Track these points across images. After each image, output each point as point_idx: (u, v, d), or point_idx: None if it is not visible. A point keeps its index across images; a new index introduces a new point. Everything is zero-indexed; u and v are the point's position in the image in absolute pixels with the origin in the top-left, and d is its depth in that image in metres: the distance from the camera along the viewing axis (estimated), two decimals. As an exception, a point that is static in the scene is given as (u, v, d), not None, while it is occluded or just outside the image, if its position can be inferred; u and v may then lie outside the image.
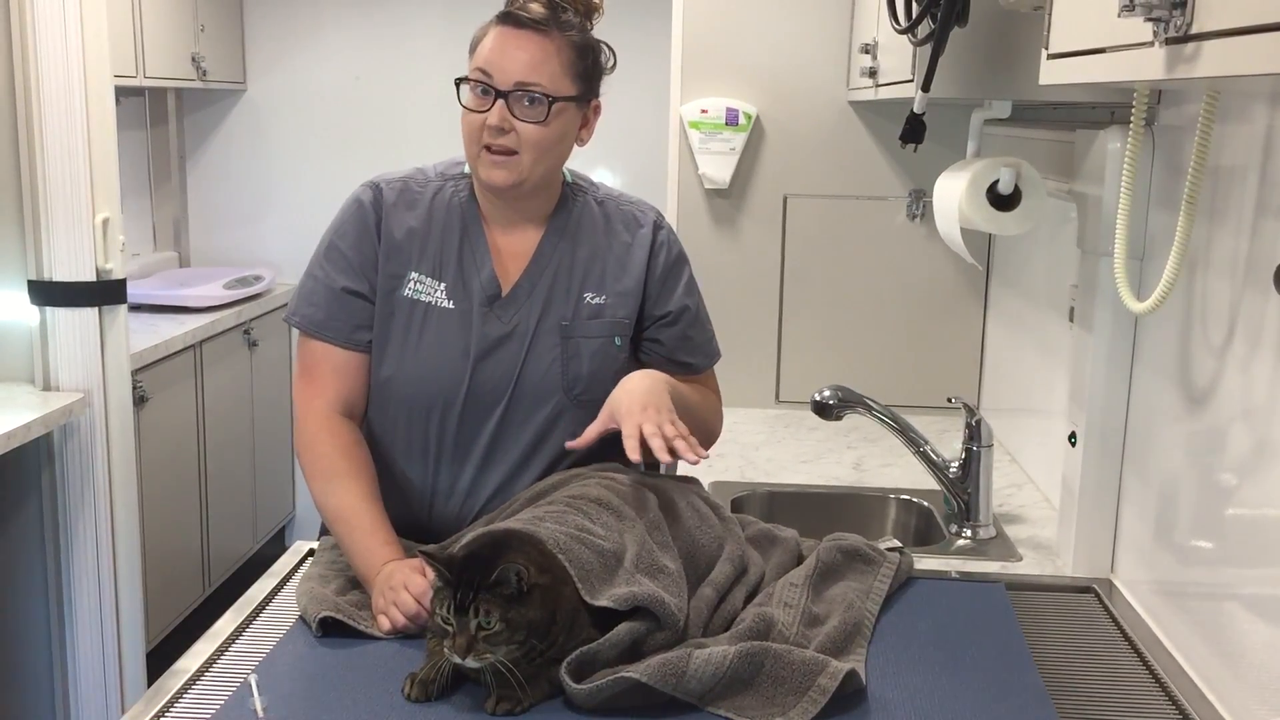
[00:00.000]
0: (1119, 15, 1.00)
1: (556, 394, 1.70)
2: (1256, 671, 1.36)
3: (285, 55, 4.58)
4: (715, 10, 2.83)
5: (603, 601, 1.37)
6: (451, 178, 1.75)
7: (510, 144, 1.61)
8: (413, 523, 1.72)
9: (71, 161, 2.81)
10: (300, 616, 1.57)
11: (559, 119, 1.64)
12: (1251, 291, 1.41)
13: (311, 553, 1.79)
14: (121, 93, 3.59)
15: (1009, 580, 1.79)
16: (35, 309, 2.88)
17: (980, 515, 2.05)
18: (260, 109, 4.63)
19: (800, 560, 1.70)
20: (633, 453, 1.52)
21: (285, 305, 1.77)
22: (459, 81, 1.65)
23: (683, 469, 1.95)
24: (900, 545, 1.78)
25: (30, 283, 2.86)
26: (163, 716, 1.35)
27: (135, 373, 3.23)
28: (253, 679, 1.38)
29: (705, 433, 1.78)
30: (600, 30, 1.70)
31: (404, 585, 1.51)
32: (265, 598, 1.66)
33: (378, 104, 4.56)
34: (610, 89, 1.74)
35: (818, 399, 2.08)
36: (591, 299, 1.73)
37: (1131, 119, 1.48)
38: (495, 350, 1.69)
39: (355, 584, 1.61)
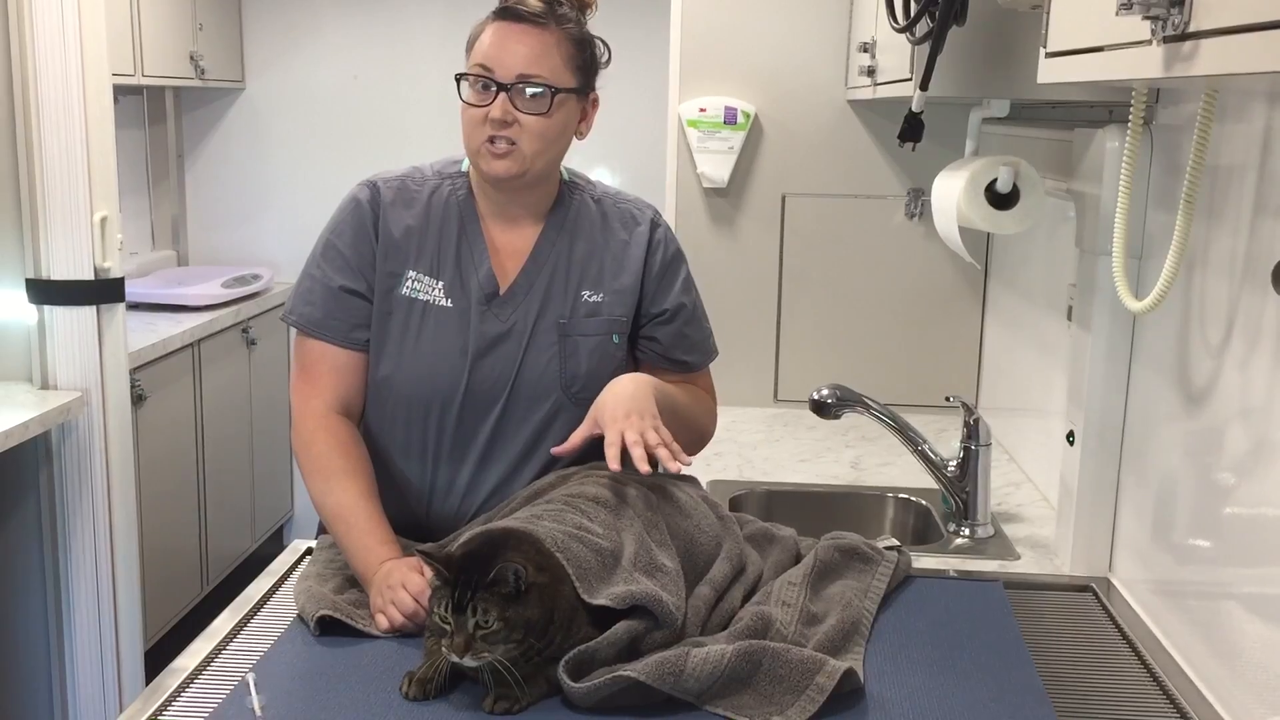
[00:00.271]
0: (1117, 14, 1.00)
1: (554, 392, 1.70)
2: (1254, 670, 1.36)
3: (284, 54, 4.58)
4: (714, 9, 2.83)
5: (601, 600, 1.37)
6: (449, 176, 1.75)
7: (513, 136, 1.62)
8: (411, 521, 1.72)
9: (70, 160, 2.81)
10: (298, 615, 1.57)
11: (560, 110, 1.64)
12: (1250, 290, 1.41)
13: (309, 551, 1.79)
14: (120, 91, 3.59)
15: (1007, 579, 1.79)
16: (33, 307, 2.87)
17: (978, 514, 2.05)
18: (259, 108, 4.62)
19: (798, 559, 1.70)
20: (613, 461, 1.53)
21: (283, 304, 1.76)
22: (459, 77, 1.66)
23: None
24: (898, 544, 1.78)
25: (28, 281, 2.86)
26: (161, 714, 1.35)
27: (133, 371, 3.23)
28: (250, 677, 1.38)
29: (696, 434, 1.78)
30: (599, 29, 1.71)
31: (402, 584, 1.51)
32: (263, 596, 1.66)
33: (376, 103, 4.56)
34: (609, 87, 1.74)
35: (816, 398, 2.08)
36: (589, 297, 1.73)
37: (1130, 118, 1.48)
38: (493, 348, 1.69)
39: (353, 583, 1.61)
